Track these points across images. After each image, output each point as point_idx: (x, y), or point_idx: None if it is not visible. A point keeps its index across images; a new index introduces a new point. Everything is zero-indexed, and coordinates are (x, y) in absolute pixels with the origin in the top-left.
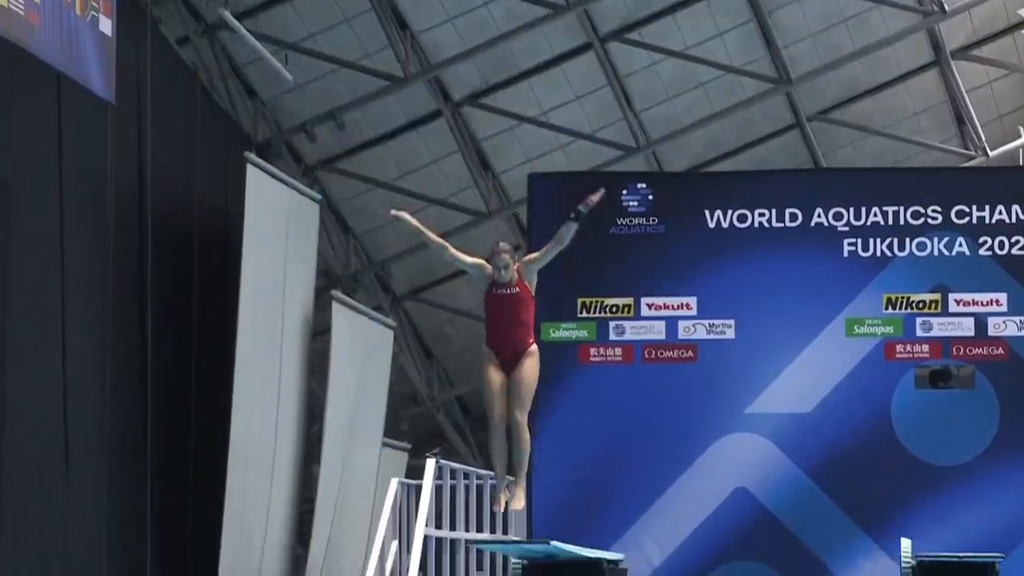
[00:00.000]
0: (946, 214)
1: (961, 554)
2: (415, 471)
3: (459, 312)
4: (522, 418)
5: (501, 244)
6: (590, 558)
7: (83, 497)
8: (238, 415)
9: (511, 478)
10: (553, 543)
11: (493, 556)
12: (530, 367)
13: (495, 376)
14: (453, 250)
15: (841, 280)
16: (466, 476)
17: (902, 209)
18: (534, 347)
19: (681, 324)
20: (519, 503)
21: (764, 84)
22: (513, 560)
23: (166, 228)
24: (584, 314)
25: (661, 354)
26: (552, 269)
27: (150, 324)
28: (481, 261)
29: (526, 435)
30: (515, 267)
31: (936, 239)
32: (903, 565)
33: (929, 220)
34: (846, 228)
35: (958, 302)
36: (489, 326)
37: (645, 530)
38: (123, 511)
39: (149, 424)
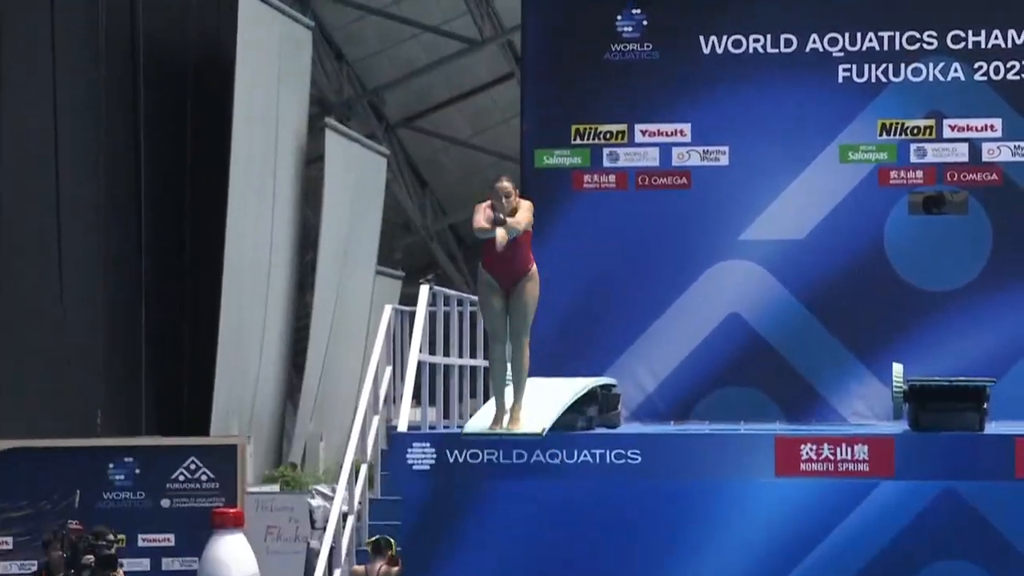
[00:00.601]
0: (942, 39)
1: (952, 378)
2: (409, 299)
3: (453, 140)
4: (523, 341)
5: (502, 181)
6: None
7: (78, 317)
8: (232, 241)
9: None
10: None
11: (486, 382)
12: (531, 290)
13: (494, 301)
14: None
15: (836, 106)
16: (459, 303)
17: (897, 34)
18: (534, 269)
19: (675, 151)
20: (517, 425)
21: None
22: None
23: (159, 49)
24: (577, 140)
25: (655, 181)
26: (545, 96)
27: (143, 147)
28: (484, 206)
29: (526, 359)
30: (515, 201)
31: (931, 64)
32: (894, 390)
33: (924, 45)
34: (841, 54)
35: (952, 128)
36: (486, 252)
37: (638, 356)
38: (118, 332)
39: (143, 248)
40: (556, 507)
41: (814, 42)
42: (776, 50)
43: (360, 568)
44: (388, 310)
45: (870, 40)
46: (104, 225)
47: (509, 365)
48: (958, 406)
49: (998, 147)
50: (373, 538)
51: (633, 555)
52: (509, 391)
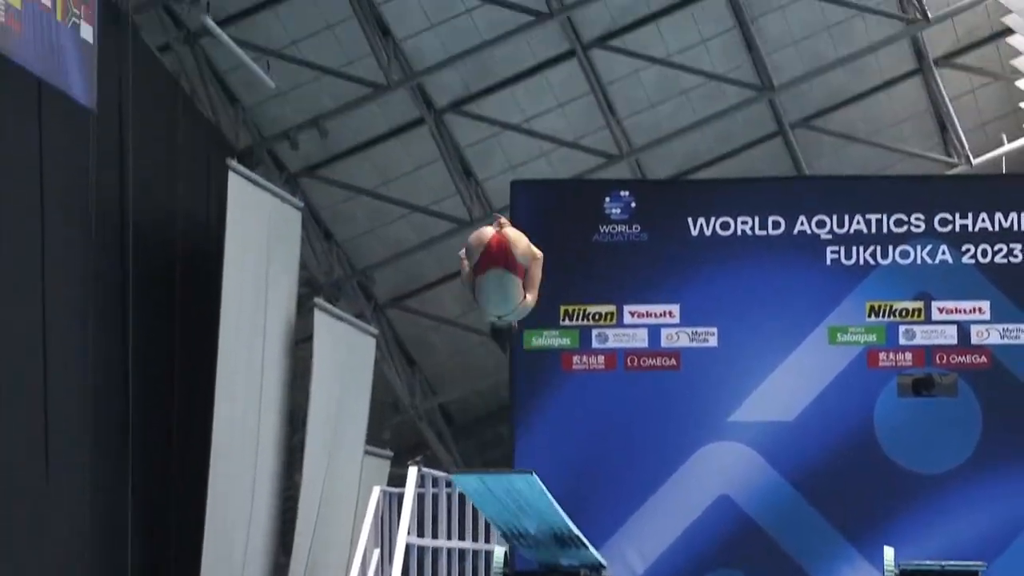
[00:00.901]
0: (929, 222)
1: (944, 562)
2: (397, 480)
3: (442, 320)
4: (531, 298)
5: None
6: (568, 565)
7: (63, 507)
8: (219, 424)
9: None
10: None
11: (476, 565)
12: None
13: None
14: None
15: (824, 288)
16: (448, 484)
17: (885, 217)
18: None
19: (664, 332)
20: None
21: (747, 91)
22: (495, 569)
23: (149, 237)
24: (567, 322)
25: (644, 362)
26: None
27: (132, 334)
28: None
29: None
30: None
31: (919, 247)
32: (886, 574)
33: (912, 228)
34: (829, 236)
35: (941, 310)
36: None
37: (628, 538)
38: (105, 518)
39: (131, 435)
40: None
41: (802, 224)
42: (764, 232)
43: None
44: (376, 492)
45: (858, 222)
46: (92, 408)
47: None
48: None
49: (987, 329)
50: None
51: None
52: None
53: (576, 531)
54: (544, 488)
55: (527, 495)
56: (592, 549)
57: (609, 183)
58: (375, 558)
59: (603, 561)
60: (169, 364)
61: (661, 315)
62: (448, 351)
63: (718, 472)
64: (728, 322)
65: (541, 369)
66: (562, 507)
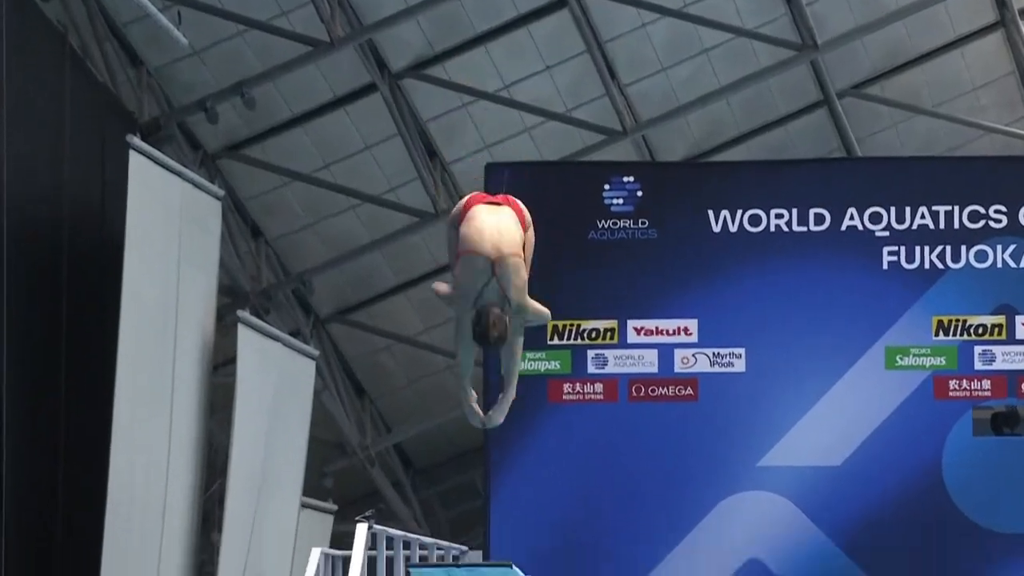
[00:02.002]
0: (1013, 216)
1: None
2: (342, 539)
3: (398, 338)
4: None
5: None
6: None
7: None
8: (117, 467)
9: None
10: (516, 570)
11: None
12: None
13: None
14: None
15: (880, 299)
16: (406, 546)
17: (957, 209)
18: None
19: (678, 353)
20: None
21: (783, 51)
22: None
23: (26, 228)
24: (556, 341)
25: (653, 391)
26: None
27: (3, 354)
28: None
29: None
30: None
31: (1000, 247)
32: None
33: (991, 223)
34: (886, 233)
35: None
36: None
37: None
38: None
39: (3, 480)
40: None
41: (851, 218)
42: (804, 228)
43: None
44: (316, 554)
45: (922, 216)
46: None
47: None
48: None
49: None
50: None
51: None
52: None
53: None
54: None
55: None
56: None
57: (609, 166)
58: None
59: None
60: (54, 395)
61: (674, 332)
62: (406, 377)
63: (746, 530)
64: (758, 341)
65: (523, 400)
66: (549, 570)
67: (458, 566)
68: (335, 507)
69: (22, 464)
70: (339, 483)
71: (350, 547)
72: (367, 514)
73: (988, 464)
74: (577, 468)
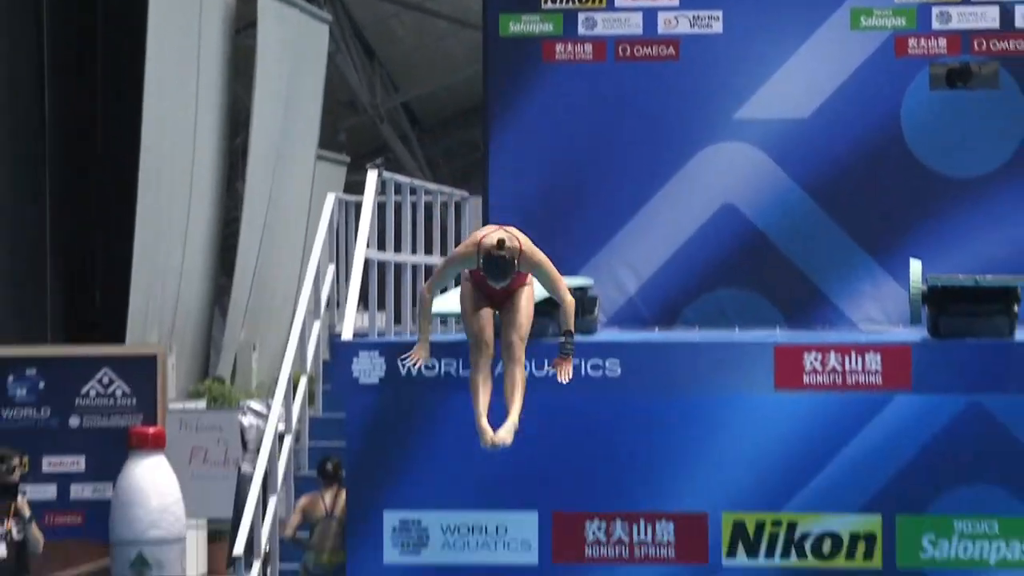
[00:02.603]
0: None
1: (979, 277)
2: (355, 188)
3: (406, 4)
4: (520, 346)
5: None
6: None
7: None
8: (149, 126)
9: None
10: None
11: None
12: (527, 292)
13: (479, 301)
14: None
15: None
16: (413, 191)
17: None
18: (529, 278)
19: (661, 16)
20: (508, 437)
21: None
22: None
23: None
24: (549, 4)
25: (637, 51)
26: None
27: (45, 17)
28: (469, 251)
29: (522, 367)
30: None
31: None
32: (912, 291)
33: None
34: None
35: None
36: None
37: (618, 253)
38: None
39: (47, 129)
40: (522, 425)
41: None
42: None
43: (306, 499)
44: (331, 199)
45: None
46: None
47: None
48: (985, 309)
49: None
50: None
51: (608, 479)
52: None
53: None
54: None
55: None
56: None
57: None
58: (330, 274)
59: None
60: (90, 57)
61: None
62: (413, 41)
63: (722, 177)
64: (735, 4)
65: (519, 60)
66: (543, 219)
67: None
68: (348, 159)
69: (63, 119)
70: (351, 138)
71: (361, 193)
72: (377, 162)
73: (943, 116)
74: (568, 123)
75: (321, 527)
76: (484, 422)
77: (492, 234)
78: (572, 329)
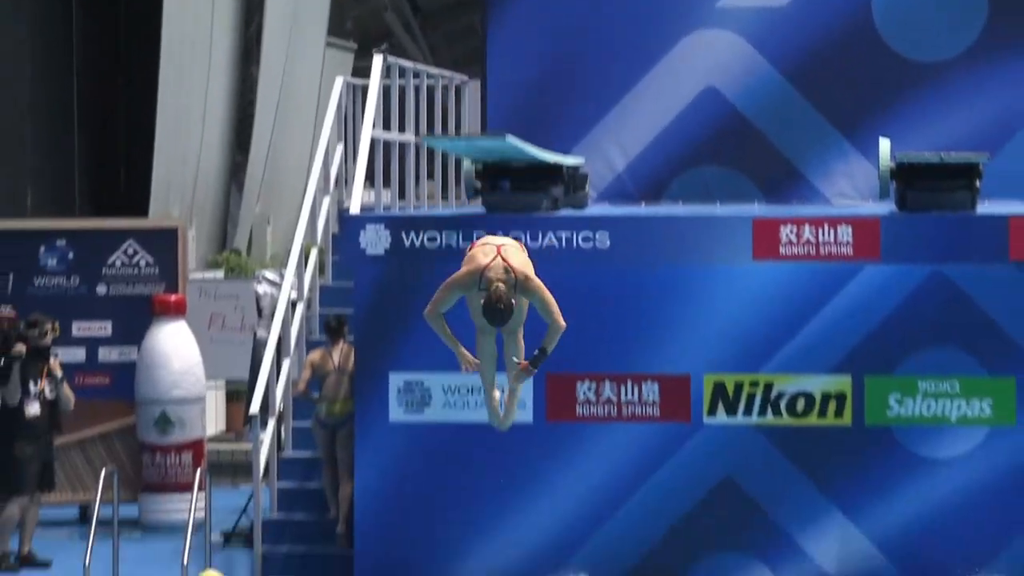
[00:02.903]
0: None
1: (943, 153)
2: (361, 72)
3: None
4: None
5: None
6: (549, 162)
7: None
8: (170, 9)
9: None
10: (509, 138)
11: (445, 162)
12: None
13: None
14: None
15: None
16: (416, 75)
17: None
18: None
19: None
20: (509, 422)
21: None
22: (466, 163)
23: None
24: None
25: None
26: None
27: None
28: (471, 277)
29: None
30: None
31: None
32: (881, 167)
33: None
34: None
35: None
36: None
37: (607, 133)
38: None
39: (74, 16)
40: None
41: None
42: None
43: (316, 354)
44: (339, 82)
45: None
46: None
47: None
48: (949, 184)
49: None
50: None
51: (599, 344)
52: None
53: (558, 161)
54: (521, 144)
55: (503, 148)
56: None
57: None
58: (338, 153)
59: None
60: None
61: None
62: None
63: (704, 62)
64: None
65: None
66: (538, 101)
67: (460, 139)
68: (355, 45)
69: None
70: (357, 26)
71: (368, 78)
72: (383, 47)
73: (911, 2)
74: (558, 8)
75: (331, 380)
76: (496, 403)
77: (494, 264)
78: (548, 350)
